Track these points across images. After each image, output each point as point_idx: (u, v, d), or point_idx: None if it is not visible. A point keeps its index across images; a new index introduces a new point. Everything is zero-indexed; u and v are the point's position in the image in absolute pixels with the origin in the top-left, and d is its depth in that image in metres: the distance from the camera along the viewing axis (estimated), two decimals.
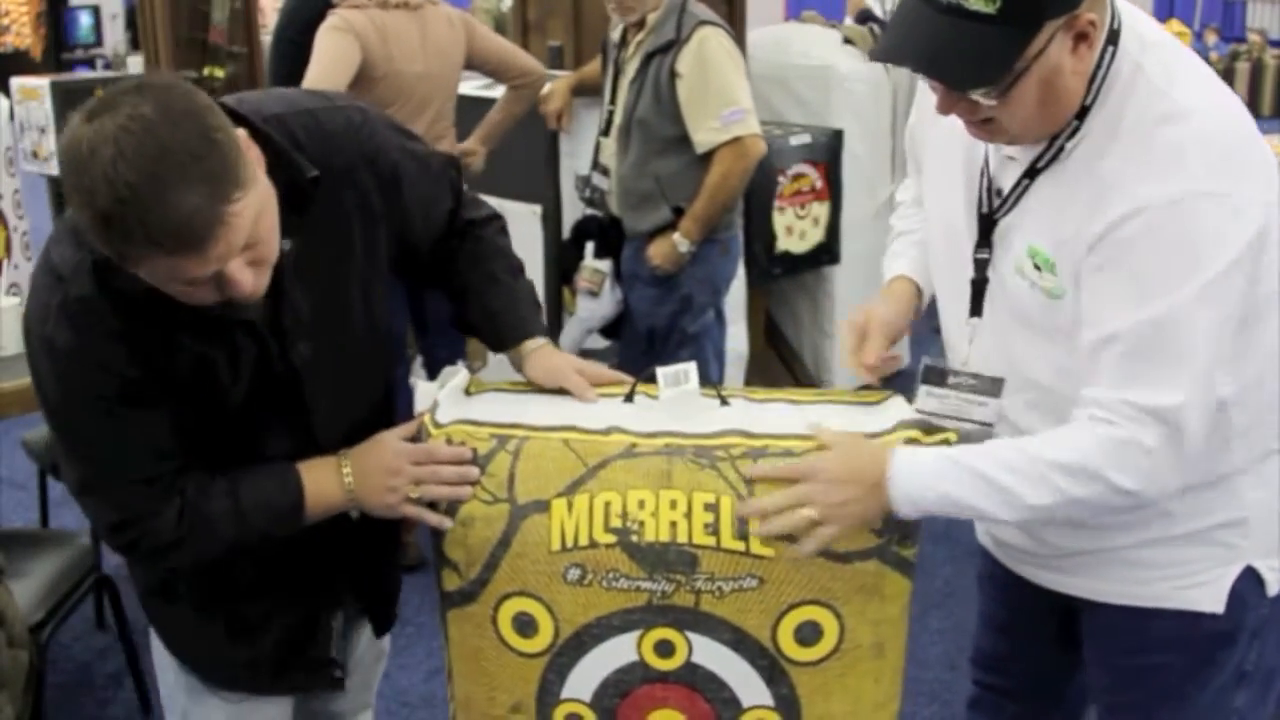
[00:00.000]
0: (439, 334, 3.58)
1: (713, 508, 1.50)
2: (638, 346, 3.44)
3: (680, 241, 3.24)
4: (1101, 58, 1.40)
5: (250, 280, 1.33)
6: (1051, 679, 1.89)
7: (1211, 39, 12.90)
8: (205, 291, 1.33)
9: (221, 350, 1.46)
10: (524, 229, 3.86)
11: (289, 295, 1.48)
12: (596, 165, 3.44)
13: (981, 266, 1.54)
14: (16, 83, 4.89)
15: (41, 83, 4.78)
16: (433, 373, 3.39)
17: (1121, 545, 1.58)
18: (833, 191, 4.32)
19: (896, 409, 1.62)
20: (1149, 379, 1.38)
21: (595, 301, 3.45)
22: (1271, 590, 1.58)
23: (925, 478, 1.46)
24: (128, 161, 1.21)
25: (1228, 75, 11.00)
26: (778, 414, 1.62)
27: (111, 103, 1.25)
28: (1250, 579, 1.57)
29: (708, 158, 3.19)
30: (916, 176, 1.78)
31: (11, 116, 4.56)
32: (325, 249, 1.51)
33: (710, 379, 1.82)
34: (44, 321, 1.40)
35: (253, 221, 1.30)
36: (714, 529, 1.50)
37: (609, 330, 3.55)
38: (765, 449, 1.53)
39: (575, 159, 3.77)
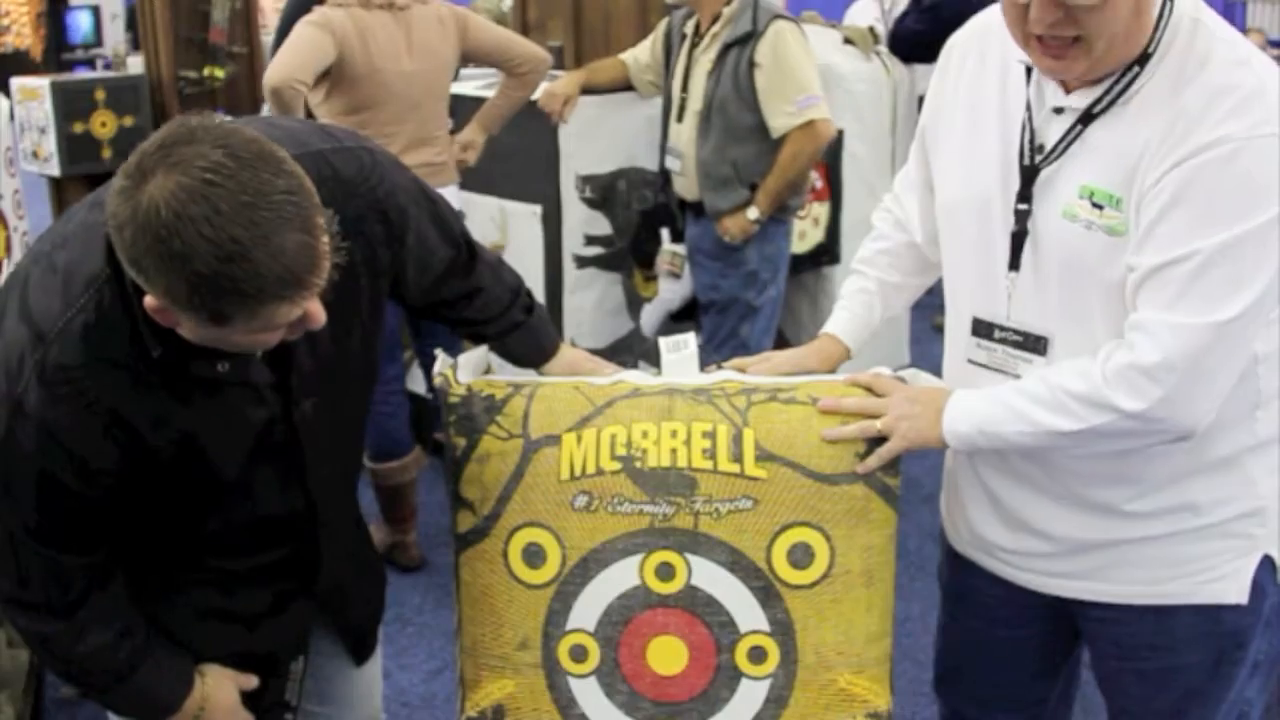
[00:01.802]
0: (434, 335, 3.58)
1: (710, 435, 1.65)
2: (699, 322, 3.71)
3: (750, 210, 3.47)
4: (1162, 10, 1.48)
5: (321, 310, 1.30)
6: (1034, 691, 1.91)
7: None
8: (278, 334, 1.29)
9: (214, 421, 1.39)
10: (524, 229, 3.87)
11: (296, 354, 1.43)
12: (668, 150, 3.66)
13: (1022, 218, 1.58)
14: (16, 83, 4.92)
15: (41, 83, 4.80)
16: (428, 373, 3.39)
17: (1140, 538, 1.63)
18: (833, 192, 4.34)
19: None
20: (1204, 299, 1.43)
21: (678, 283, 3.73)
22: None
23: (971, 411, 1.61)
24: (225, 216, 1.14)
25: None
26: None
27: (168, 156, 1.16)
28: (1266, 568, 1.63)
29: (782, 142, 3.43)
30: (922, 168, 1.82)
31: (12, 117, 4.57)
32: (331, 303, 1.43)
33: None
34: (13, 378, 1.29)
35: None
36: (711, 454, 1.64)
37: (680, 312, 3.81)
38: (757, 388, 1.70)
39: (575, 159, 3.77)
